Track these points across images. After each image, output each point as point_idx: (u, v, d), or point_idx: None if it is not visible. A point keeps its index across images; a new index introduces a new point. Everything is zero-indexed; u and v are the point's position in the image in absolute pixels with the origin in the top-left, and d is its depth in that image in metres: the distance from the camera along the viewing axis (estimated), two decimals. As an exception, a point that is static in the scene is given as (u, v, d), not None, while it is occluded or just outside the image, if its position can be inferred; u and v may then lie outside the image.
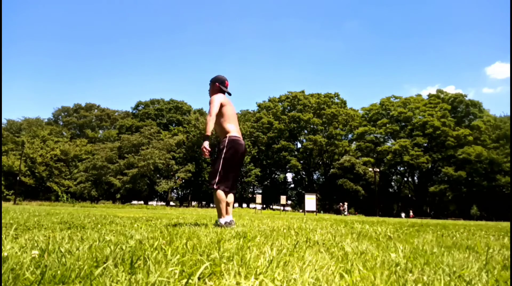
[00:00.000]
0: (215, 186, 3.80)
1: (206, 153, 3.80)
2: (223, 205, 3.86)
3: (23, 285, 1.11)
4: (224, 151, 3.86)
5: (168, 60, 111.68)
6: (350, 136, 58.31)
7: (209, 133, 3.83)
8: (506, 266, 1.70)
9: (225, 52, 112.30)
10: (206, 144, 3.78)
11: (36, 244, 1.95)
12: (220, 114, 3.99)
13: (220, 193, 3.82)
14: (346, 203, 38.36)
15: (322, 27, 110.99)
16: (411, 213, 41.64)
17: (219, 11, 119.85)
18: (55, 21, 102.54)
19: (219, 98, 3.99)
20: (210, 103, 3.96)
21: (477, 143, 47.99)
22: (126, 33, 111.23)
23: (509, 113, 53.52)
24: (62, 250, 1.71)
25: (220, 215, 3.88)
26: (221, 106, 3.97)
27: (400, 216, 38.91)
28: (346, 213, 36.09)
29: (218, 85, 4.19)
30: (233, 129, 4.01)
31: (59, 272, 1.22)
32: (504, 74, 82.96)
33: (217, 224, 3.85)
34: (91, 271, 1.23)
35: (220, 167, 3.83)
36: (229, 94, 4.28)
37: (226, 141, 3.90)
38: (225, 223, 3.83)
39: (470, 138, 47.96)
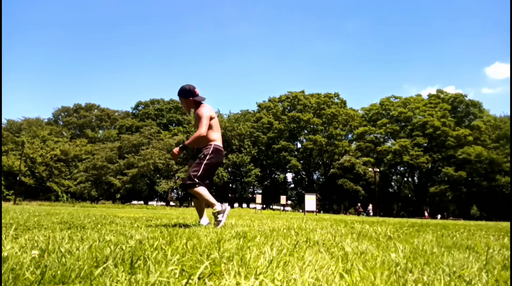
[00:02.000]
0: (196, 182, 3.77)
1: (174, 157, 3.94)
2: (209, 195, 3.85)
3: (23, 285, 1.11)
4: (208, 157, 3.86)
5: (168, 60, 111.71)
6: (350, 136, 58.30)
7: (190, 146, 3.94)
8: (506, 266, 1.70)
9: (225, 52, 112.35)
10: (176, 149, 3.88)
11: (36, 244, 1.95)
12: (208, 127, 3.97)
13: (202, 187, 3.82)
14: (371, 205, 37.47)
15: (323, 27, 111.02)
16: (426, 214, 41.68)
17: (219, 11, 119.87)
18: (55, 21, 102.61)
19: (207, 112, 3.96)
20: (199, 119, 3.91)
21: (477, 143, 47.99)
22: (127, 33, 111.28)
23: (509, 113, 53.61)
24: (62, 250, 1.71)
25: (212, 204, 3.86)
26: (210, 119, 3.97)
27: (436, 217, 38.67)
28: (371, 214, 35.44)
29: (192, 100, 4.06)
30: (218, 139, 4.03)
31: (59, 272, 1.22)
32: (504, 74, 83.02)
33: (217, 213, 3.84)
34: (91, 271, 1.23)
35: (201, 170, 3.81)
36: (204, 99, 4.15)
37: (211, 148, 3.91)
38: (220, 211, 3.83)
39: (470, 138, 47.96)
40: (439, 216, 41.46)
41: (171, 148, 51.57)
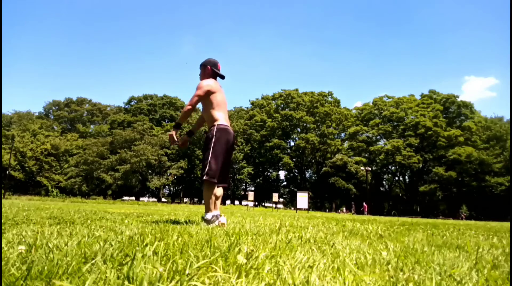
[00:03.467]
0: (204, 178, 3.51)
1: (172, 141, 3.74)
2: (212, 199, 3.58)
3: (7, 281, 1.09)
4: (213, 140, 3.57)
5: (162, 55, 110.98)
6: (343, 135, 58.55)
7: (181, 122, 3.72)
8: (496, 265, 1.71)
9: (219, 49, 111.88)
10: (172, 132, 3.70)
11: (23, 239, 1.92)
12: (208, 102, 3.71)
13: (209, 185, 3.52)
14: (365, 204, 37.54)
15: (317, 25, 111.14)
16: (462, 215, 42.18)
17: (213, 8, 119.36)
18: (48, 14, 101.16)
19: (207, 84, 3.71)
20: (196, 88, 3.69)
21: (467, 143, 48.56)
22: (120, 27, 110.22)
23: (500, 115, 54.46)
24: (50, 245, 1.68)
25: (207, 209, 3.57)
26: (210, 93, 3.69)
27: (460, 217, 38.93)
28: (365, 213, 35.65)
29: (210, 69, 3.90)
30: (222, 117, 3.71)
31: (46, 268, 1.19)
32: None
33: (203, 219, 3.55)
34: (79, 267, 1.21)
35: (210, 157, 3.52)
36: (222, 77, 4.00)
37: (215, 129, 3.61)
38: (212, 216, 3.50)
39: (461, 138, 48.49)
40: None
41: (164, 144, 51.16)
